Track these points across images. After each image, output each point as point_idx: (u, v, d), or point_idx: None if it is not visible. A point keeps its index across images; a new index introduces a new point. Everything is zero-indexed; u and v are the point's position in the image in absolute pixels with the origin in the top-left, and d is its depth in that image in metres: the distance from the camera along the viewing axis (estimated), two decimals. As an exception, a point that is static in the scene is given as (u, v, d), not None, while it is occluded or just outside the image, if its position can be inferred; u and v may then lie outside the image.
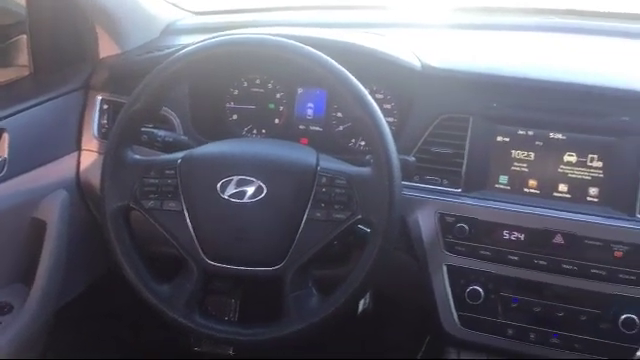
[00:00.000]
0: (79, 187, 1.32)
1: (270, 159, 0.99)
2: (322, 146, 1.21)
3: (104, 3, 1.31)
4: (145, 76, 1.00)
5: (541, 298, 1.09)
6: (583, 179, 1.08)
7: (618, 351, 1.06)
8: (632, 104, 1.07)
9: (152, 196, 0.99)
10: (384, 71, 1.21)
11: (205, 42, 0.99)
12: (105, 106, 1.32)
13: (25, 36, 1.34)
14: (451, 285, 1.12)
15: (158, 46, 1.37)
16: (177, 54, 0.99)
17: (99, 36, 1.36)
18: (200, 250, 0.97)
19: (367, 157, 1.06)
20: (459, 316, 1.12)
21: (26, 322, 1.20)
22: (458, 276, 1.12)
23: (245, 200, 0.96)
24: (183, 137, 1.19)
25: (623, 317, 1.03)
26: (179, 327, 0.99)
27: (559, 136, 1.10)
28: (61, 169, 1.29)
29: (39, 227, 1.22)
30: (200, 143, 1.08)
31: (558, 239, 1.06)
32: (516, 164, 1.11)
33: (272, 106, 1.33)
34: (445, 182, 1.14)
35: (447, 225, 1.11)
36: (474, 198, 1.11)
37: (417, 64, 1.17)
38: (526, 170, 1.11)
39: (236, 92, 1.34)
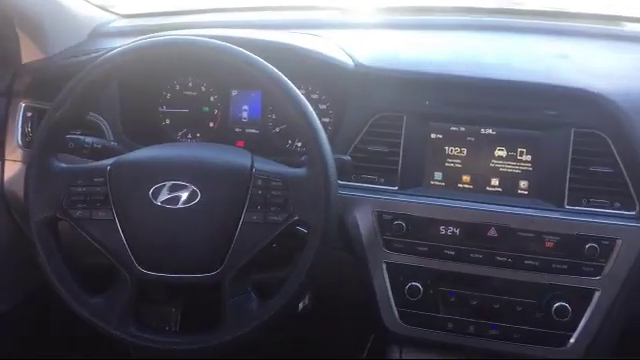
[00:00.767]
0: (3, 199, 1.26)
1: (204, 163, 0.96)
2: (259, 148, 1.21)
3: (25, 6, 1.25)
4: (70, 80, 0.96)
5: (478, 291, 1.11)
6: (514, 173, 1.11)
7: (553, 339, 1.09)
8: (557, 98, 1.10)
9: (80, 205, 0.95)
10: (318, 71, 1.21)
11: (132, 44, 0.96)
12: (29, 113, 1.26)
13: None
14: (391, 282, 1.13)
15: (84, 50, 1.32)
16: (103, 57, 0.96)
17: (21, 40, 1.30)
18: (133, 259, 0.94)
19: (303, 158, 1.06)
20: (399, 312, 1.13)
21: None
22: (397, 273, 1.12)
23: (179, 206, 0.93)
24: (113, 143, 1.15)
25: (556, 305, 1.06)
26: (114, 339, 0.96)
27: (489, 131, 1.12)
28: (-17, 181, 1.23)
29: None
30: (132, 149, 1.05)
31: (492, 232, 1.08)
32: (450, 160, 1.13)
33: (206, 109, 1.30)
34: (382, 180, 1.14)
35: (385, 223, 1.12)
36: (410, 195, 1.12)
37: (350, 63, 1.17)
38: (459, 166, 1.13)
39: (169, 96, 1.31)
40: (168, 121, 1.32)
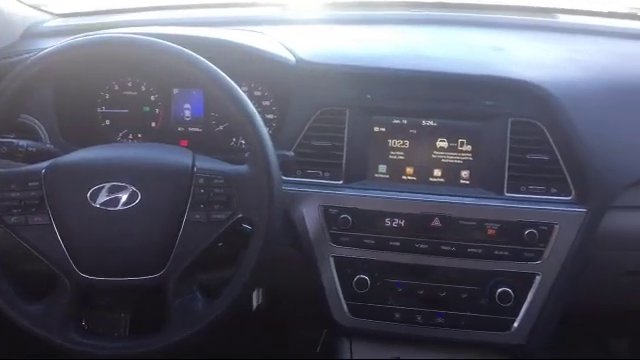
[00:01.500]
0: None
1: (143, 163, 0.94)
2: (203, 147, 1.20)
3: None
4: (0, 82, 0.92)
5: (424, 280, 1.13)
6: (455, 163, 1.13)
7: (497, 324, 1.12)
8: (494, 89, 1.13)
9: (15, 211, 0.92)
10: (260, 68, 1.21)
11: (63, 44, 0.93)
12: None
13: None
14: (339, 276, 1.13)
15: (17, 50, 1.27)
16: (33, 58, 0.93)
17: (-53, 42, 1.25)
18: (72, 264, 0.92)
19: (246, 155, 1.05)
20: (348, 306, 1.14)
21: None
22: (345, 266, 1.13)
23: (119, 207, 0.91)
24: (49, 146, 1.12)
25: (499, 291, 1.09)
26: (56, 347, 0.93)
27: (431, 123, 1.14)
28: None
29: None
30: (69, 152, 1.02)
31: (436, 222, 1.10)
32: (393, 153, 1.15)
33: (147, 109, 1.28)
34: (327, 175, 1.15)
35: (331, 217, 1.12)
36: (355, 189, 1.13)
37: (291, 59, 1.17)
38: (403, 158, 1.14)
39: (107, 96, 1.28)
40: (108, 122, 1.29)
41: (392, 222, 1.11)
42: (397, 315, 1.13)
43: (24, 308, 0.93)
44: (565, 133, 1.08)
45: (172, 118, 1.28)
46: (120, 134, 1.28)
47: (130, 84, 1.27)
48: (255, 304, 1.21)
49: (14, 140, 1.05)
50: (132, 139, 1.28)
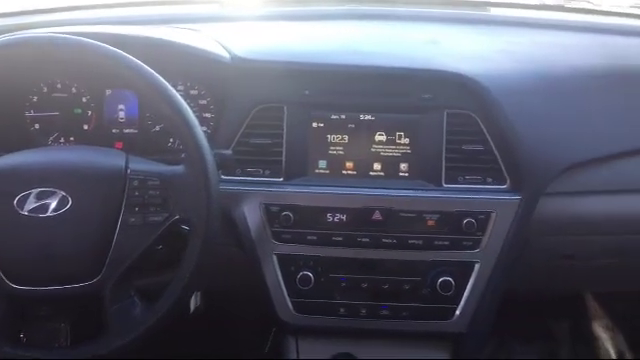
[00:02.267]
0: None
1: (72, 167, 0.91)
2: (139, 149, 1.17)
3: None
4: None
5: (368, 274, 1.13)
6: (394, 156, 1.14)
7: (440, 313, 1.14)
8: (429, 82, 1.14)
9: None
10: (195, 66, 1.18)
11: None
12: None
13: None
14: (282, 273, 1.13)
15: None
16: None
17: None
18: (2, 274, 0.88)
19: (183, 155, 1.03)
20: (293, 303, 1.14)
21: None
22: (288, 264, 1.13)
23: (49, 214, 0.88)
24: None
25: (441, 280, 1.11)
26: None
27: (369, 117, 1.14)
28: None
29: None
30: None
31: (377, 215, 1.11)
32: (333, 148, 1.15)
33: (79, 111, 1.24)
34: (267, 172, 1.14)
35: (272, 215, 1.11)
36: (296, 185, 1.13)
37: (227, 57, 1.15)
38: (342, 153, 1.15)
39: (35, 99, 1.23)
40: (37, 126, 1.24)
41: (334, 217, 1.11)
42: (342, 310, 1.14)
43: None
44: (498, 123, 1.10)
45: (105, 120, 1.24)
46: (51, 138, 1.24)
47: (59, 86, 1.23)
48: (193, 307, 1.19)
49: None
50: (64, 143, 1.24)
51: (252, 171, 1.14)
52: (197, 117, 1.16)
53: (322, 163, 1.15)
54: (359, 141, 1.14)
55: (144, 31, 1.18)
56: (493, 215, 1.10)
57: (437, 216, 1.11)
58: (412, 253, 1.12)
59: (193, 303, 1.18)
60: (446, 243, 1.11)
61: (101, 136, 1.23)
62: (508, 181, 1.12)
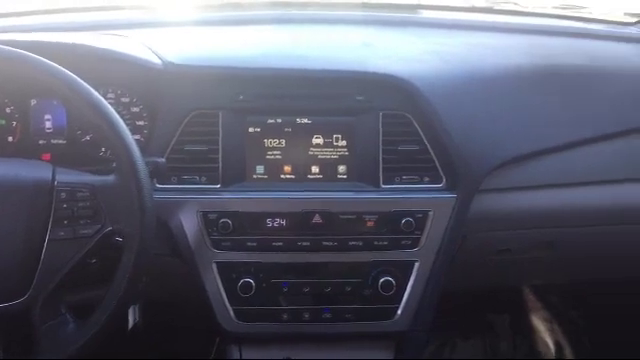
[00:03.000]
0: None
1: None
2: (69, 160, 1.12)
3: None
4: None
5: (309, 278, 1.13)
6: (332, 159, 1.14)
7: (382, 313, 1.15)
8: (364, 84, 1.15)
9: None
10: (125, 73, 1.15)
11: None
12: None
13: None
14: (223, 281, 1.11)
15: None
16: None
17: None
18: None
19: (114, 165, 1.00)
20: (235, 311, 1.12)
21: None
22: (228, 271, 1.11)
23: None
24: None
25: (382, 280, 1.12)
26: None
27: (305, 121, 1.14)
28: None
29: None
30: None
31: (317, 219, 1.11)
32: (270, 153, 1.14)
33: (2, 122, 1.18)
34: (203, 179, 1.12)
35: (211, 222, 1.09)
36: (234, 192, 1.11)
37: (158, 63, 1.12)
38: (280, 157, 1.14)
39: None
40: (-44, 140, 1.17)
41: (273, 222, 1.10)
42: (285, 315, 1.13)
43: None
44: (431, 124, 1.12)
45: (31, 131, 1.19)
46: (-28, 153, 1.18)
47: None
48: (132, 321, 1.16)
49: None
50: (-13, 156, 1.18)
51: (188, 178, 1.12)
52: (130, 125, 1.14)
53: (260, 168, 1.14)
54: (296, 145, 1.14)
55: (70, 38, 1.14)
56: (430, 214, 1.12)
57: (376, 217, 1.11)
58: (352, 255, 1.12)
59: (132, 317, 1.15)
60: (385, 243, 1.12)
61: (27, 148, 1.18)
62: (444, 180, 1.14)
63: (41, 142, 1.19)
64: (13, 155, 1.16)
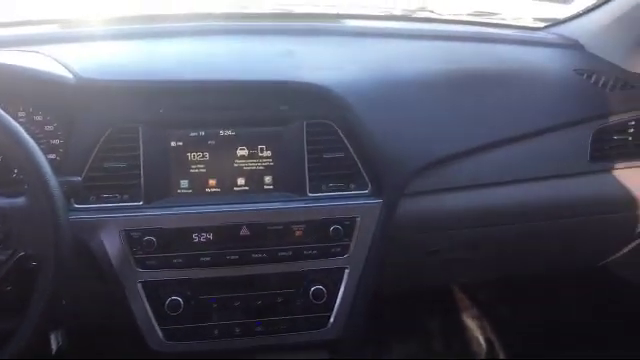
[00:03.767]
0: None
1: None
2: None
3: None
4: None
5: (239, 292, 1.11)
6: (257, 170, 1.13)
7: (314, 322, 1.14)
8: (287, 94, 1.15)
9: None
10: (37, 90, 1.10)
11: None
12: None
13: None
14: (149, 301, 1.08)
15: None
16: None
17: None
18: None
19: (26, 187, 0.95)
20: (163, 331, 1.09)
21: None
22: (155, 290, 1.08)
23: None
24: None
25: (313, 290, 1.12)
26: None
27: (229, 132, 1.13)
28: None
29: None
30: None
31: (244, 231, 1.09)
32: (194, 166, 1.12)
33: None
34: (125, 197, 1.08)
35: (134, 241, 1.06)
36: (157, 208, 1.08)
37: (70, 78, 1.08)
38: (204, 171, 1.12)
39: None
40: None
41: (200, 237, 1.08)
42: (215, 331, 1.11)
43: None
44: (355, 131, 1.13)
45: None
46: None
47: None
48: (55, 347, 1.10)
49: None
50: None
51: (108, 197, 1.08)
52: (44, 144, 1.09)
53: (184, 182, 1.11)
54: (221, 157, 1.12)
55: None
56: (358, 220, 1.13)
57: (304, 226, 1.11)
58: (282, 265, 1.11)
59: (54, 343, 1.09)
60: (315, 252, 1.12)
61: None
62: (370, 186, 1.15)
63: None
64: None
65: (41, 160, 0.84)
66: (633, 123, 1.33)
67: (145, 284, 1.08)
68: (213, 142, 1.12)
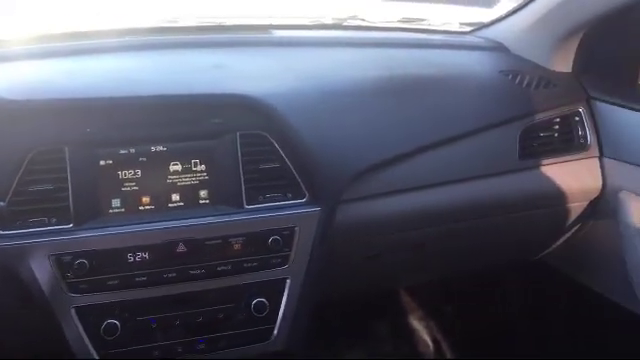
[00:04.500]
0: None
1: None
2: None
3: None
4: None
5: (179, 310, 1.09)
6: (192, 184, 1.11)
7: (257, 335, 1.13)
8: (218, 106, 1.14)
9: None
10: None
11: None
12: None
13: None
14: (84, 327, 1.04)
15: None
16: None
17: None
18: None
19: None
20: (101, 356, 1.05)
21: None
22: (90, 315, 1.04)
23: None
24: None
25: (254, 303, 1.10)
26: None
27: (161, 148, 1.10)
28: None
29: None
30: None
31: (181, 248, 1.07)
32: (126, 184, 1.08)
33: None
34: (53, 220, 1.04)
35: (65, 265, 1.02)
36: (88, 229, 1.05)
37: None
38: (137, 188, 1.09)
39: None
40: None
41: (135, 257, 1.05)
42: (156, 352, 1.08)
43: None
44: (288, 140, 1.13)
45: None
46: None
47: None
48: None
49: None
50: None
51: (35, 221, 1.03)
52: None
53: (115, 202, 1.08)
54: (153, 174, 1.10)
55: None
56: (297, 229, 1.12)
57: (243, 239, 1.10)
58: (222, 280, 1.09)
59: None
60: (255, 264, 1.11)
61: None
62: (307, 195, 1.15)
63: None
64: None
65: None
66: (558, 120, 1.38)
67: (79, 309, 1.03)
68: (144, 159, 1.10)
